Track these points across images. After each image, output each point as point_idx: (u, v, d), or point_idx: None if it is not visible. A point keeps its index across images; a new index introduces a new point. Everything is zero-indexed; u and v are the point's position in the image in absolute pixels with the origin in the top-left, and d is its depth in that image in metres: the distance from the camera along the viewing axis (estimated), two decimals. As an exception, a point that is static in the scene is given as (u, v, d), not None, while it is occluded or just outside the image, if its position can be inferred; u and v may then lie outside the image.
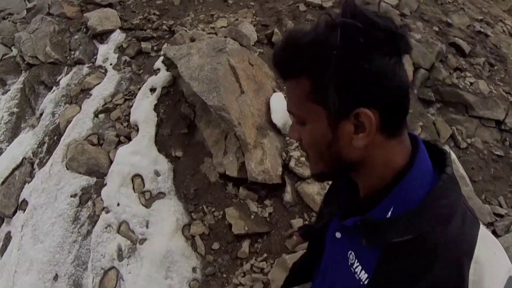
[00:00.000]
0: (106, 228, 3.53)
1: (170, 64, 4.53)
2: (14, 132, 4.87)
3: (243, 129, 3.59)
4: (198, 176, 3.76)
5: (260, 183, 3.62)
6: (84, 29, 5.27)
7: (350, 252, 0.90)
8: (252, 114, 3.79)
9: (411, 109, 4.19)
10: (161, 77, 4.41)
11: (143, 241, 3.44)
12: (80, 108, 4.44)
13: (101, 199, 3.68)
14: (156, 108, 4.22)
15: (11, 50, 5.66)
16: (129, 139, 4.05)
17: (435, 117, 4.32)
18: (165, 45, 4.56)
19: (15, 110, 5.05)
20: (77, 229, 3.65)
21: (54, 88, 4.93)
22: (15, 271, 3.66)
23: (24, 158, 4.39)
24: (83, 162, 3.94)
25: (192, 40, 4.47)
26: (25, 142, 4.54)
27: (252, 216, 3.49)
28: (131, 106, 4.30)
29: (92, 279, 3.39)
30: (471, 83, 4.52)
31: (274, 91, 4.15)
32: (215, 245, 3.44)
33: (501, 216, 3.55)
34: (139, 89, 4.42)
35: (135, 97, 4.37)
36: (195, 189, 3.69)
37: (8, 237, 3.99)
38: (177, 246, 3.39)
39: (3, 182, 4.31)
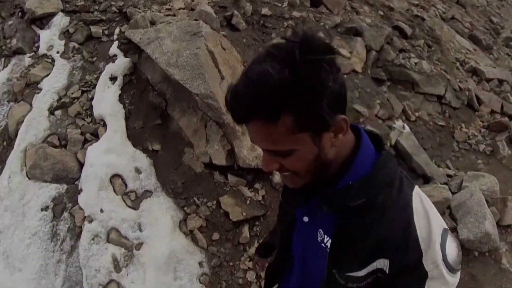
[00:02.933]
0: (93, 239, 3.18)
1: (128, 50, 4.12)
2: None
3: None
4: (183, 169, 3.50)
5: (247, 169, 3.51)
6: (20, 13, 4.57)
7: (319, 230, 1.08)
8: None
9: (368, 88, 4.55)
10: (120, 64, 3.98)
11: (139, 245, 3.15)
12: (31, 105, 3.90)
13: (80, 208, 3.29)
14: (121, 99, 3.82)
15: None
16: (96, 136, 3.64)
17: (388, 94, 4.71)
18: (126, 29, 4.09)
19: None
20: (59, 247, 3.25)
21: (-9, 85, 4.28)
22: (-5, 309, 3.21)
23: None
24: (47, 169, 3.48)
25: (152, 23, 4.06)
26: (-33, 153, 3.93)
27: (248, 201, 3.39)
28: (91, 98, 3.85)
29: (90, 298, 3.07)
30: (415, 63, 5.09)
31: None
32: (215, 236, 3.29)
33: (451, 176, 4.08)
34: (97, 78, 3.97)
35: (93, 88, 3.92)
36: (182, 182, 3.44)
37: (-28, 271, 3.48)
38: (179, 244, 3.16)
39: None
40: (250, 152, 3.39)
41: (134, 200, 3.33)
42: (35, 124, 3.74)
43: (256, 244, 3.28)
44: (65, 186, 3.46)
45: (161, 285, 3.05)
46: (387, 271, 0.93)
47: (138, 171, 3.44)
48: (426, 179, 3.89)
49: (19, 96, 4.08)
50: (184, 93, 3.62)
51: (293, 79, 0.80)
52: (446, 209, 3.64)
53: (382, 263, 0.93)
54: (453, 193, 3.76)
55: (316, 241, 1.08)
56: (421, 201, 0.96)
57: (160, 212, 3.26)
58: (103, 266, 3.09)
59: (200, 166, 3.50)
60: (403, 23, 5.62)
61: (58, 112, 3.82)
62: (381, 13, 5.75)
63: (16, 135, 3.78)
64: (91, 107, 3.80)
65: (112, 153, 3.46)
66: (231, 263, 3.23)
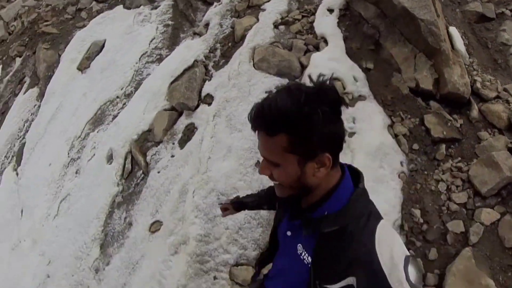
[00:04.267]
0: (311, 121, 3.69)
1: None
2: (172, 41, 5.00)
3: (447, 45, 3.81)
4: (391, 87, 3.95)
5: (446, 101, 3.87)
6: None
7: (299, 244, 1.27)
8: (446, 37, 4.01)
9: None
10: (336, 0, 4.59)
11: (352, 134, 3.62)
12: (257, 19, 4.59)
13: (302, 96, 3.83)
14: (338, 26, 4.39)
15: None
16: (317, 49, 4.21)
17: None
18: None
19: (170, 22, 5.17)
20: (278, 121, 3.79)
21: (215, 3, 5.06)
22: (209, 157, 3.78)
23: (196, 61, 4.52)
24: (274, 64, 4.09)
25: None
26: (194, 47, 4.66)
27: (449, 124, 3.73)
28: (311, 22, 4.46)
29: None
30: None
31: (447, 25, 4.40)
32: (415, 146, 3.67)
33: None
34: (315, 8, 4.59)
35: (312, 15, 4.54)
36: (391, 97, 3.89)
37: (190, 129, 4.11)
38: (387, 140, 3.58)
39: (173, 81, 4.45)
40: (460, 78, 3.78)
41: (351, 100, 3.83)
42: (262, 32, 4.41)
43: (451, 162, 3.61)
44: (286, 80, 4.03)
45: (367, 168, 3.44)
46: (356, 287, 1.10)
47: (355, 79, 3.94)
48: None
49: (242, 13, 4.81)
50: (396, 27, 4.12)
51: (290, 112, 1.05)
52: None
53: (352, 280, 1.10)
54: None
55: (296, 253, 1.27)
56: (384, 233, 1.12)
57: (373, 113, 3.73)
58: (317, 144, 3.58)
59: (406, 89, 3.93)
60: None
61: (281, 27, 4.47)
62: None
63: (241, 38, 4.47)
64: (311, 27, 4.41)
65: (334, 61, 4.01)
66: (425, 172, 3.58)
